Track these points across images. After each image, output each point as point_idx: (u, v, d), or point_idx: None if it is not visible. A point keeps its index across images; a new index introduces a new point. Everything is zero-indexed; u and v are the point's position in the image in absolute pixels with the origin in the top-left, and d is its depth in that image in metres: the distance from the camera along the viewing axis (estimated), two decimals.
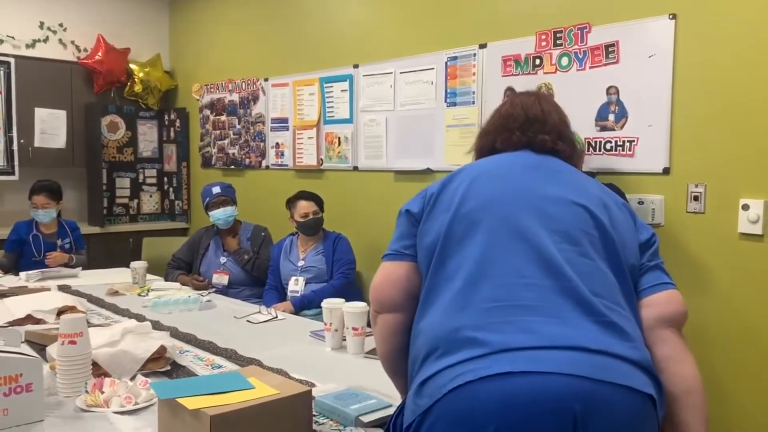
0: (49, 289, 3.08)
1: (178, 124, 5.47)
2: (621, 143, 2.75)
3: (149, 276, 3.51)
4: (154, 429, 1.55)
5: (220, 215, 3.56)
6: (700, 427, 1.24)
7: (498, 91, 3.17)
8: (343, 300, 2.35)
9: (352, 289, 3.25)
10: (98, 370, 1.87)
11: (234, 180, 4.71)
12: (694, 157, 2.55)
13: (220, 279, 3.54)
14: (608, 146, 2.79)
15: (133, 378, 1.83)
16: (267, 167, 4.63)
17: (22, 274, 3.48)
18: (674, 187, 2.61)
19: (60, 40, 5.13)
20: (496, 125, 1.54)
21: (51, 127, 4.97)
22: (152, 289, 3.32)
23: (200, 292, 3.21)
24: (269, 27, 4.58)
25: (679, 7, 2.56)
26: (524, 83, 3.07)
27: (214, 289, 3.38)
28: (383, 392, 1.72)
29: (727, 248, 2.45)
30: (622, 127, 2.75)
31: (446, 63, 3.40)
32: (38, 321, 2.50)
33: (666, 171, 2.63)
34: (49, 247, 3.92)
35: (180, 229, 5.53)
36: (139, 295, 3.25)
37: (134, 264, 3.47)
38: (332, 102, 4.07)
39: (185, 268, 3.68)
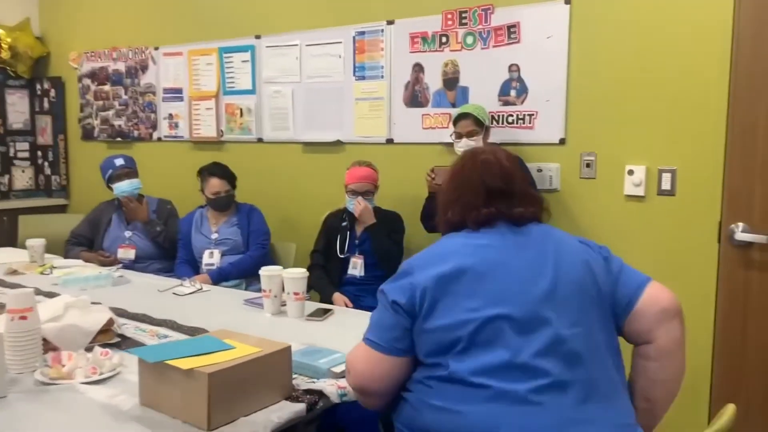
0: None
1: (52, 94, 5.11)
2: (522, 116, 3.02)
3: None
4: (129, 395, 1.58)
5: (125, 188, 3.45)
6: (665, 403, 1.47)
7: (407, 67, 3.33)
8: (280, 267, 2.43)
9: (267, 259, 3.30)
10: (47, 345, 1.83)
11: (122, 153, 4.52)
12: (586, 128, 2.87)
13: (126, 254, 3.45)
14: (510, 119, 3.06)
15: (90, 350, 1.81)
16: (159, 139, 4.50)
17: None
18: (569, 156, 2.92)
19: None
20: (458, 197, 1.53)
21: None
22: (54, 267, 3.18)
23: (108, 268, 3.13)
24: None
25: None
26: (431, 59, 3.25)
27: (121, 265, 3.29)
28: (338, 348, 1.84)
29: (616, 208, 2.80)
30: (522, 102, 3.02)
31: (354, 37, 3.49)
32: None
33: (562, 141, 2.93)
34: None
35: (58, 206, 5.21)
36: (42, 273, 3.11)
37: (31, 242, 3.30)
38: (232, 73, 4.03)
39: (86, 244, 3.55)
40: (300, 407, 1.53)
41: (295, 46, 3.72)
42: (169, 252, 3.50)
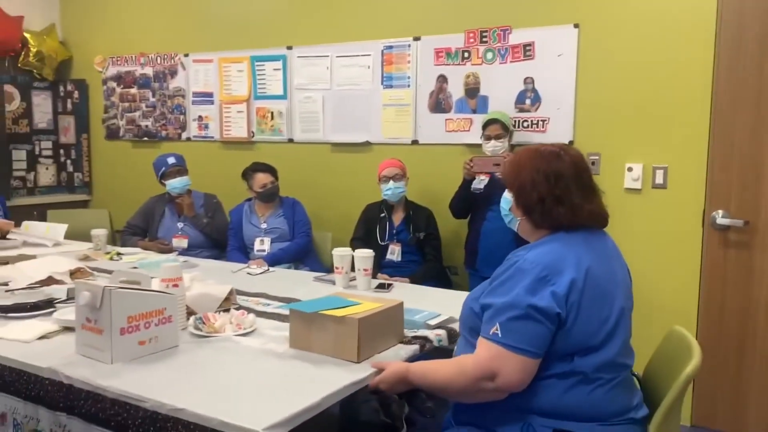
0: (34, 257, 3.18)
1: (76, 95, 5.42)
2: (536, 122, 3.54)
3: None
4: (276, 343, 2.00)
5: (176, 184, 3.84)
6: None
7: (431, 77, 3.81)
8: (349, 248, 2.87)
9: (311, 246, 3.75)
10: (186, 309, 2.25)
11: (148, 152, 4.88)
12: (591, 132, 3.40)
13: (180, 243, 3.84)
14: (525, 124, 3.57)
15: (227, 312, 2.24)
16: (188, 139, 4.86)
17: None
18: None
19: None
20: (561, 194, 1.67)
21: None
22: (120, 254, 3.55)
23: (166, 255, 3.51)
24: (187, 1, 4.78)
25: (582, 18, 3.37)
26: (454, 72, 3.74)
27: (177, 252, 3.68)
28: (417, 308, 2.31)
29: (617, 200, 3.33)
30: (536, 110, 3.53)
31: (382, 51, 3.95)
32: (58, 281, 2.73)
33: (571, 143, 3.46)
34: None
35: (81, 202, 5.52)
36: (111, 259, 3.45)
37: (95, 231, 3.64)
38: (264, 79, 4.44)
39: (140, 234, 3.92)
40: (415, 347, 1.99)
41: (326, 57, 4.16)
42: (217, 241, 3.90)
